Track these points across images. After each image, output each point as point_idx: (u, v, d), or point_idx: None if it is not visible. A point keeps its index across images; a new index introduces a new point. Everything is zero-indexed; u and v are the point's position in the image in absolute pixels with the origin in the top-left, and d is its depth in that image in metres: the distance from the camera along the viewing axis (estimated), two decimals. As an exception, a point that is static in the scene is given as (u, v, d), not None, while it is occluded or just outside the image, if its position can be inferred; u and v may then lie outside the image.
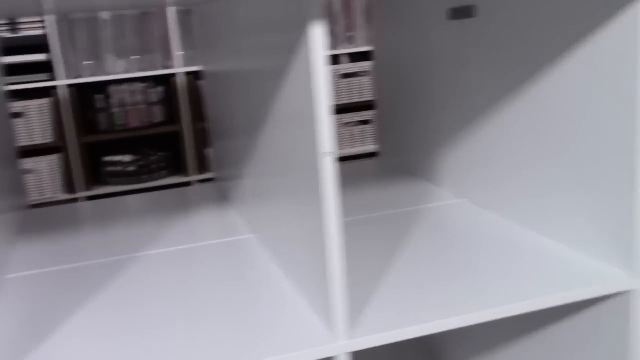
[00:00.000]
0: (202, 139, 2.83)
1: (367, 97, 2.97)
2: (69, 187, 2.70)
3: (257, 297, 0.80)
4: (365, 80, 2.96)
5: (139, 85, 2.74)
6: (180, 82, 2.73)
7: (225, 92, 1.25)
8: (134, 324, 0.80)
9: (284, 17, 0.69)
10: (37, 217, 1.42)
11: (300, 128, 0.67)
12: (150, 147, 2.84)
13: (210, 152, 2.76)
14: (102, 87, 2.72)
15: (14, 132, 1.50)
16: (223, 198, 1.45)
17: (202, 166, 2.85)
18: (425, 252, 0.87)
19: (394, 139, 1.42)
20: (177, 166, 2.91)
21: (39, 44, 2.55)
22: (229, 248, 1.07)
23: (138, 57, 2.72)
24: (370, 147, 3.02)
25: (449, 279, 0.77)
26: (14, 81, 2.58)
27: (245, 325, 0.72)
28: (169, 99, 2.82)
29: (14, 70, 2.57)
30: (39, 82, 2.53)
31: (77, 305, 0.90)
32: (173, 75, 2.73)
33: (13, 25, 2.62)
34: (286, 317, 0.73)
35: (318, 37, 0.58)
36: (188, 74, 2.73)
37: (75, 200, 2.71)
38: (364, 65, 2.95)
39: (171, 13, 2.67)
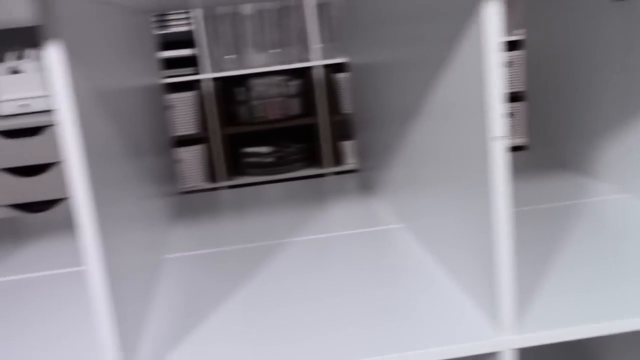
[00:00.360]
0: (338, 132, 2.85)
1: (512, 88, 2.86)
2: (211, 176, 2.82)
3: (410, 287, 0.79)
4: (510, 71, 2.85)
5: (278, 78, 2.80)
6: (318, 74, 2.76)
7: (372, 82, 1.25)
8: (282, 308, 0.81)
9: (450, 2, 0.67)
10: (186, 203, 1.49)
11: (468, 115, 0.65)
12: (287, 139, 2.91)
13: (345, 145, 2.78)
14: (243, 80, 2.81)
15: (169, 123, 1.58)
16: (365, 188, 1.44)
17: (337, 158, 2.88)
18: (589, 249, 0.82)
19: (546, 131, 1.35)
20: (313, 158, 2.95)
21: (186, 40, 2.68)
22: (376, 237, 1.06)
23: (277, 50, 2.78)
24: (516, 140, 2.91)
25: (617, 279, 0.72)
26: (164, 75, 2.73)
27: (400, 315, 0.71)
28: (306, 92, 2.87)
29: (163, 64, 2.72)
30: (186, 76, 2.66)
31: (228, 286, 0.93)
32: (310, 68, 2.77)
33: (163, 22, 2.76)
34: (444, 308, 0.70)
35: (493, 21, 0.56)
36: (325, 66, 2.76)
37: (216, 189, 2.82)
38: (511, 55, 2.84)
39: (309, 6, 2.71)
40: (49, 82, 2.68)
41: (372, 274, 0.87)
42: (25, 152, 2.63)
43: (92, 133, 0.69)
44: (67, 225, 1.40)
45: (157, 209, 1.16)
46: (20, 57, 2.76)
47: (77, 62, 0.67)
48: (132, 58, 1.09)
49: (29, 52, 2.75)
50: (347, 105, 2.84)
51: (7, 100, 2.67)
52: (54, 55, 0.61)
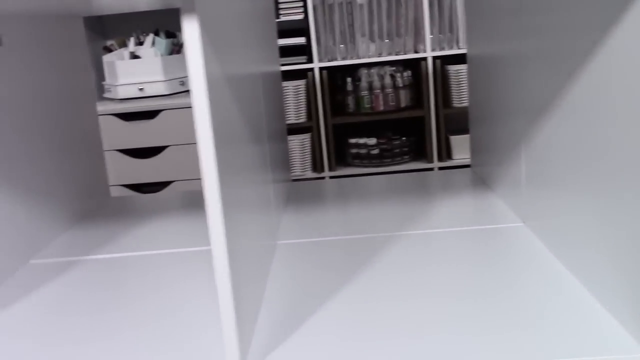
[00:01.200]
0: (447, 126, 2.78)
1: None
2: (316, 166, 2.82)
3: (537, 291, 0.74)
4: None
5: (388, 69, 2.76)
6: (428, 66, 2.70)
7: (494, 75, 1.19)
8: (394, 304, 0.78)
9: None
10: (292, 191, 1.48)
11: (629, 109, 0.59)
12: (394, 131, 2.86)
13: (453, 139, 2.70)
14: (352, 70, 2.79)
15: (284, 110, 1.58)
16: (478, 184, 1.38)
17: (445, 153, 2.80)
18: None
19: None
20: (419, 152, 2.89)
21: (299, 28, 2.68)
22: (492, 235, 1.01)
23: (389, 41, 2.74)
24: None
25: None
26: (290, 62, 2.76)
27: (529, 323, 0.66)
28: (416, 84, 2.81)
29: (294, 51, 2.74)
30: (296, 64, 2.67)
31: (337, 277, 0.91)
32: (421, 59, 2.71)
33: (277, 10, 2.79)
34: (578, 317, 0.65)
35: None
36: (436, 58, 2.69)
37: (319, 179, 2.83)
38: None
39: (424, -3, 2.65)
40: (164, 67, 2.76)
41: (492, 275, 0.82)
42: (140, 134, 2.73)
43: (221, 116, 0.68)
44: (177, 207, 1.43)
45: (273, 195, 1.16)
46: (139, 43, 2.86)
47: (211, 45, 0.66)
48: (257, 44, 1.09)
49: (148, 38, 2.85)
50: (458, 99, 2.76)
51: (126, 84, 2.78)
52: (191, 37, 0.60)
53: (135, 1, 1.32)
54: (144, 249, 1.16)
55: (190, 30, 0.60)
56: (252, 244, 0.86)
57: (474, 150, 1.55)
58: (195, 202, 1.47)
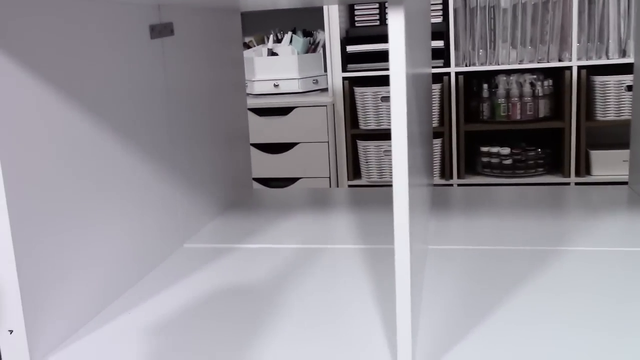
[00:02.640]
0: (587, 139, 2.64)
1: None
2: (445, 172, 2.76)
3: None
4: None
5: (528, 77, 2.66)
6: (573, 76, 2.57)
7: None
8: (559, 322, 0.73)
9: None
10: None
11: None
12: (529, 141, 2.75)
13: (594, 154, 2.55)
14: (489, 76, 2.71)
15: (431, 113, 1.55)
16: (634, 203, 1.29)
17: (583, 168, 2.66)
18: None
19: None
20: (555, 165, 2.76)
21: (437, 32, 2.64)
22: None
23: (531, 47, 2.63)
24: None
25: None
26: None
27: None
28: (557, 93, 2.69)
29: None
30: (433, 69, 2.63)
31: (494, 285, 0.87)
32: (565, 68, 2.59)
33: (413, 13, 2.75)
34: None
35: None
36: (582, 68, 2.56)
37: (449, 186, 2.76)
38: None
39: (572, 2, 2.52)
40: (300, 65, 2.80)
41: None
42: (272, 130, 2.78)
43: (409, 115, 0.66)
44: (312, 203, 1.43)
45: (428, 198, 1.14)
46: (277, 40, 2.92)
47: (407, 41, 0.65)
48: (425, 44, 1.06)
49: (286, 36, 2.91)
50: (602, 112, 2.61)
51: (262, 80, 2.84)
52: (397, 37, 0.59)
53: (273, 0, 1.33)
54: (290, 242, 1.17)
55: (396, 24, 0.59)
56: (421, 247, 0.84)
57: (634, 166, 1.45)
58: (326, 199, 1.47)
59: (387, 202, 1.40)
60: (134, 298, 0.94)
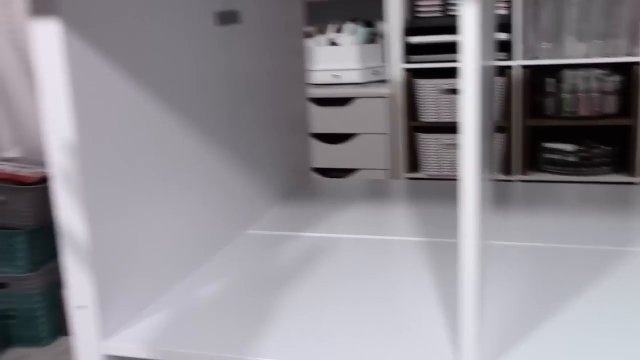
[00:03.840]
0: (656, 137, 2.54)
1: None
2: (507, 168, 2.71)
3: None
4: None
5: (596, 72, 2.58)
6: (643, 72, 2.48)
7: None
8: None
9: None
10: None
11: None
12: (595, 138, 2.67)
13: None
14: (555, 70, 2.64)
15: (495, 107, 1.53)
16: None
17: (651, 167, 2.57)
18: None
19: None
20: (622, 164, 2.68)
21: (502, 23, 2.58)
22: None
23: (601, 41, 2.55)
24: None
25: None
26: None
27: None
28: (626, 89, 2.60)
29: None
30: (499, 61, 2.58)
31: (560, 283, 0.85)
32: (635, 63, 2.50)
33: (478, 4, 2.70)
34: None
35: None
36: (654, 63, 2.47)
37: (509, 182, 2.71)
38: None
39: (646, -4, 2.43)
40: (360, 56, 2.79)
41: None
42: (331, 120, 2.79)
43: (479, 107, 0.65)
44: (371, 194, 1.42)
45: (492, 193, 1.12)
46: (339, 30, 2.92)
47: (480, 32, 0.64)
48: (491, 35, 1.05)
49: (347, 26, 2.90)
50: (673, 109, 2.51)
51: (322, 70, 2.85)
52: (470, 29, 0.58)
53: None
54: (350, 232, 1.17)
55: (469, 16, 0.58)
56: (486, 242, 0.83)
57: None
58: (385, 191, 1.46)
59: (446, 195, 1.39)
60: (198, 280, 0.96)
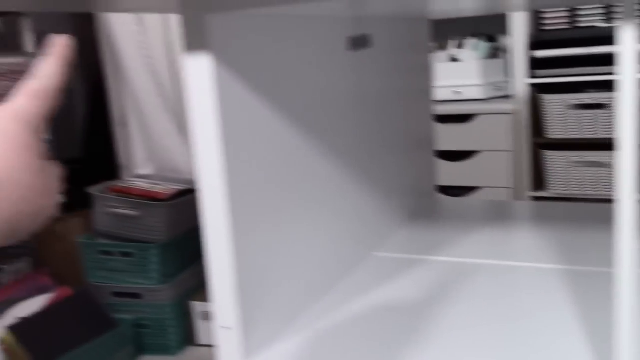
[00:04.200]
0: None
1: None
2: None
3: None
4: None
5: None
6: None
7: None
8: None
9: None
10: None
11: None
12: None
13: None
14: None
15: None
16: None
17: None
18: None
19: None
20: None
21: None
22: None
23: None
24: None
25: None
26: (597, 72, 2.56)
27: None
28: None
29: (600, 60, 2.54)
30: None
31: None
32: None
33: (608, 15, 2.58)
34: None
35: None
36: None
37: None
38: None
39: None
40: (483, 71, 2.73)
41: None
42: (452, 137, 2.75)
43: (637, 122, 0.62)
44: (488, 216, 1.38)
45: None
46: (460, 46, 2.88)
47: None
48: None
49: (468, 41, 2.85)
50: None
51: (443, 87, 2.82)
52: (630, 41, 0.55)
53: (454, 8, 1.30)
54: (479, 256, 1.14)
55: (629, 36, 0.55)
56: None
57: None
58: (513, 212, 1.41)
59: (580, 219, 1.32)
60: (332, 302, 0.97)
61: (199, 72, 0.69)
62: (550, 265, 1.06)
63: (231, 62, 0.73)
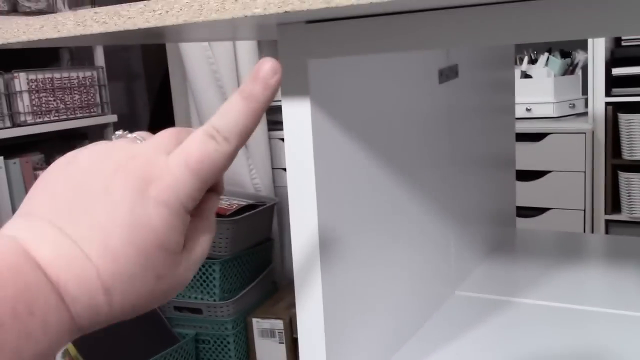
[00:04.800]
0: None
1: None
2: None
3: None
4: None
5: None
6: None
7: None
8: None
9: None
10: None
11: None
12: None
13: None
14: None
15: None
16: None
17: None
18: None
19: None
20: None
21: None
22: None
23: None
24: None
25: None
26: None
27: None
28: None
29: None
30: None
31: None
32: None
33: None
34: None
35: None
36: None
37: None
38: None
39: None
40: (555, 88, 2.62)
41: None
42: (524, 156, 2.65)
43: None
44: (575, 249, 1.26)
45: None
46: (533, 62, 2.77)
47: None
48: None
49: (542, 57, 2.75)
50: None
51: (515, 104, 2.71)
52: None
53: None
54: (571, 301, 1.06)
55: None
56: None
57: None
58: (601, 247, 1.31)
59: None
60: (420, 346, 0.91)
61: (297, 116, 0.64)
62: (635, 313, 0.98)
63: (327, 104, 0.69)
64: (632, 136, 2.51)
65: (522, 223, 2.62)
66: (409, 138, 0.92)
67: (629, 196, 2.56)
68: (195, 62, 2.44)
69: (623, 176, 2.54)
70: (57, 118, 2.54)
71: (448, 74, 1.03)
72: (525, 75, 2.74)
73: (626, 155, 2.53)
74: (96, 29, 0.56)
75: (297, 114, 0.64)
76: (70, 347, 2.04)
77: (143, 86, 3.45)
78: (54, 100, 2.53)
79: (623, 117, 2.50)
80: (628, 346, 0.88)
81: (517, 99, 2.71)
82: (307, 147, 0.65)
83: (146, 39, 0.82)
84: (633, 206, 2.55)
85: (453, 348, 0.91)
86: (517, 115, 2.71)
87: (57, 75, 2.54)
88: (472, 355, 0.88)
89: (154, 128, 3.44)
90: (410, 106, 0.92)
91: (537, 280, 1.16)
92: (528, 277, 1.17)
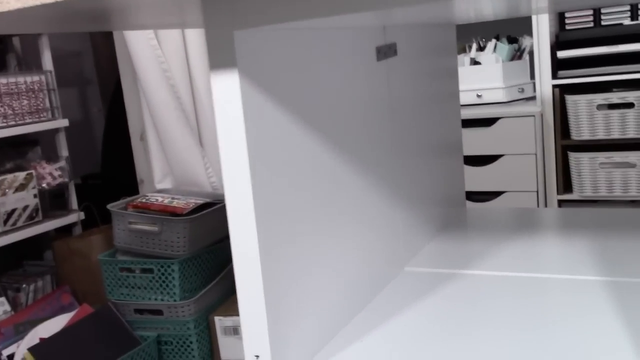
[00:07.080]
0: None
1: None
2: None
3: None
4: None
5: None
6: None
7: None
8: None
9: None
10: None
11: None
12: None
13: None
14: None
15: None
16: None
17: None
18: None
19: None
20: None
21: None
22: None
23: None
24: None
25: None
26: (624, 70, 2.49)
27: None
28: None
29: (626, 58, 2.48)
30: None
31: None
32: None
33: (634, 12, 2.51)
34: None
35: None
36: None
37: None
38: None
39: None
40: (504, 74, 2.67)
41: None
42: (475, 142, 2.69)
43: None
44: (519, 224, 1.31)
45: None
46: (481, 49, 2.82)
47: None
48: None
49: (490, 44, 2.79)
50: None
51: (465, 91, 2.76)
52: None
53: (477, 14, 1.25)
54: (514, 269, 1.09)
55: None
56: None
57: None
58: (545, 220, 1.34)
59: (611, 225, 1.26)
60: (366, 322, 0.92)
61: (227, 89, 0.64)
62: (585, 277, 1.01)
63: (258, 77, 0.69)
64: (579, 117, 2.57)
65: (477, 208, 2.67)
66: (350, 116, 0.93)
67: (579, 175, 2.62)
68: (146, 61, 2.42)
69: (573, 156, 2.60)
70: (5, 124, 2.49)
71: (386, 51, 1.04)
72: (475, 62, 2.78)
73: (574, 135, 2.59)
74: (13, 4, 0.55)
75: (226, 88, 0.64)
76: (27, 354, 2.00)
77: (97, 91, 3.40)
78: (2, 106, 2.48)
79: (570, 99, 2.56)
80: (582, 309, 0.90)
81: (468, 86, 2.75)
82: (238, 120, 0.65)
83: (90, 25, 0.81)
84: (583, 185, 2.61)
85: (402, 319, 0.93)
86: (468, 102, 2.75)
87: (3, 80, 2.49)
88: (421, 325, 0.90)
89: (109, 133, 3.40)
90: (349, 83, 0.93)
91: (487, 252, 1.18)
92: (478, 251, 1.19)
